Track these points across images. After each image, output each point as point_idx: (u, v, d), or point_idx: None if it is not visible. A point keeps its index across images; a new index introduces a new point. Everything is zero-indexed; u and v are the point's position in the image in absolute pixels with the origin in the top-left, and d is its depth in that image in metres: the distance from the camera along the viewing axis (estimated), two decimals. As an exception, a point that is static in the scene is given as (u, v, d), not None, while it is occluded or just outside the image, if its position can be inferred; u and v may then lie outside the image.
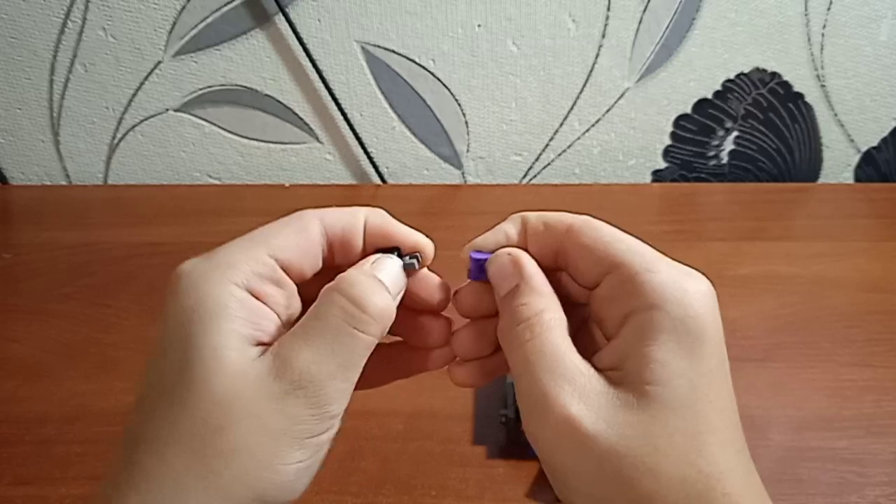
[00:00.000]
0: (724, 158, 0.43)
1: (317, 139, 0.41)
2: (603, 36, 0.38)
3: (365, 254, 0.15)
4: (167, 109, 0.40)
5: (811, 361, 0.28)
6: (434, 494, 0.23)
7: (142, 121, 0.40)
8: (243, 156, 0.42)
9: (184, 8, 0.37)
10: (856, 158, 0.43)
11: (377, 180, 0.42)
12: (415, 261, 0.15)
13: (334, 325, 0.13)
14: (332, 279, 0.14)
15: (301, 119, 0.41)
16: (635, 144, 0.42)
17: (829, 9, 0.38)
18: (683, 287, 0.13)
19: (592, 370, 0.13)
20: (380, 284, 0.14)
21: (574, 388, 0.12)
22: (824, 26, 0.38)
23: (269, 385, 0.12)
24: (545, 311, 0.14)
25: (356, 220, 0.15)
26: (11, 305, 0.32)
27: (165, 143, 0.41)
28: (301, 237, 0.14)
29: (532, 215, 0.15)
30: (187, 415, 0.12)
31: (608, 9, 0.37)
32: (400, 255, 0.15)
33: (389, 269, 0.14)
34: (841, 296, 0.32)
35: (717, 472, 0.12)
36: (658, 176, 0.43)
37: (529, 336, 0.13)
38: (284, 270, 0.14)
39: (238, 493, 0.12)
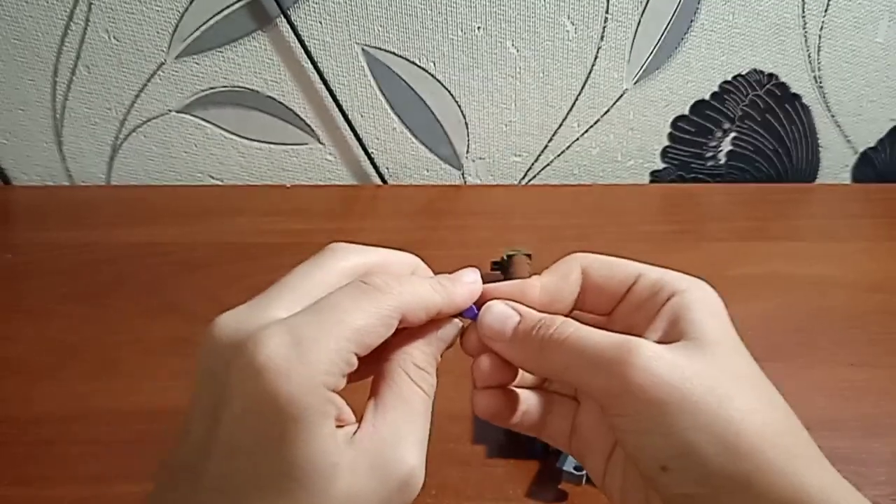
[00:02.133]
0: (722, 159, 0.43)
1: (318, 140, 0.42)
2: (601, 38, 0.38)
3: None
4: (169, 111, 0.40)
5: (811, 361, 0.28)
6: (434, 494, 0.23)
7: (144, 122, 0.41)
8: (245, 157, 0.42)
9: (186, 10, 0.37)
10: (853, 159, 0.43)
11: (378, 181, 0.43)
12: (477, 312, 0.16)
13: (419, 414, 0.14)
14: None
15: (302, 120, 0.41)
16: (634, 145, 0.42)
17: (826, 11, 0.38)
18: (692, 279, 0.16)
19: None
20: (433, 366, 0.15)
21: (640, 346, 0.14)
22: (821, 28, 0.39)
23: (380, 484, 0.13)
24: (565, 318, 0.15)
25: (430, 314, 0.15)
26: (12, 305, 0.32)
27: (168, 144, 0.41)
28: (383, 332, 0.14)
29: (549, 282, 0.16)
30: None
31: (607, 11, 0.38)
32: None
33: (450, 337, 0.15)
34: (841, 296, 0.32)
35: (783, 406, 0.14)
36: (656, 176, 0.44)
37: (572, 329, 0.15)
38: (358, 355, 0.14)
39: None
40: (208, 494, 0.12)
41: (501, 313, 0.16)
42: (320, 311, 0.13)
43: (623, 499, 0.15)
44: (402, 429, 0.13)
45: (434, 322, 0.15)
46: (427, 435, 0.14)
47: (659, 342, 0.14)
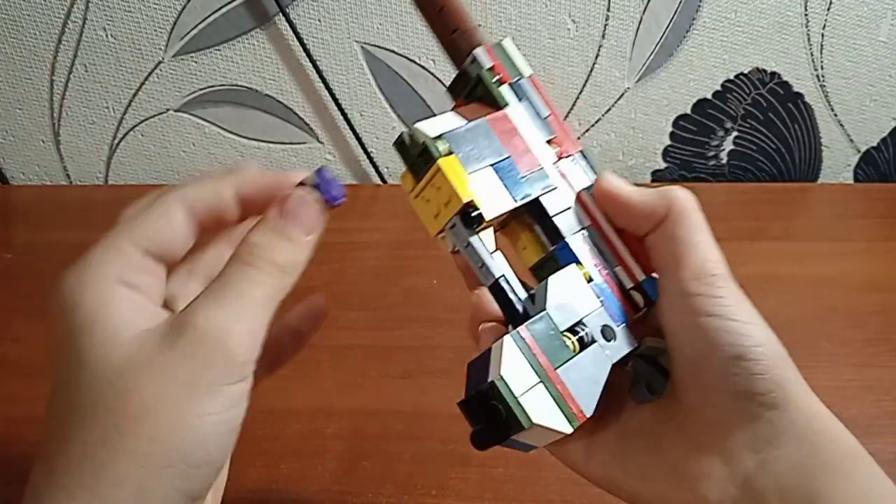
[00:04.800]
0: (724, 158, 0.43)
1: (317, 139, 0.41)
2: (603, 36, 0.38)
3: (244, 217, 0.15)
4: (168, 109, 0.40)
5: (811, 361, 0.28)
6: (434, 494, 0.23)
7: (142, 121, 0.40)
8: (244, 156, 0.42)
9: (184, 8, 0.37)
10: (855, 158, 0.43)
11: (377, 180, 0.42)
12: (341, 190, 0.15)
13: (233, 283, 0.13)
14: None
15: (301, 119, 0.41)
16: (635, 144, 0.42)
17: (828, 9, 0.38)
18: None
19: None
20: (282, 240, 0.14)
21: None
22: (824, 26, 0.38)
23: (170, 343, 0.12)
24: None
25: (221, 197, 0.14)
26: (12, 305, 0.32)
27: (166, 143, 0.41)
28: (162, 225, 0.14)
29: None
30: (88, 392, 0.12)
31: (608, 9, 0.37)
32: (319, 187, 0.14)
33: (302, 213, 0.14)
34: (841, 296, 0.32)
35: None
36: (658, 176, 0.43)
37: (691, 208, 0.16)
38: (153, 257, 0.14)
39: (158, 455, 0.12)
40: (47, 423, 0.13)
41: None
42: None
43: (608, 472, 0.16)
44: (207, 298, 0.13)
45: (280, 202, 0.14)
46: (252, 311, 0.13)
47: None
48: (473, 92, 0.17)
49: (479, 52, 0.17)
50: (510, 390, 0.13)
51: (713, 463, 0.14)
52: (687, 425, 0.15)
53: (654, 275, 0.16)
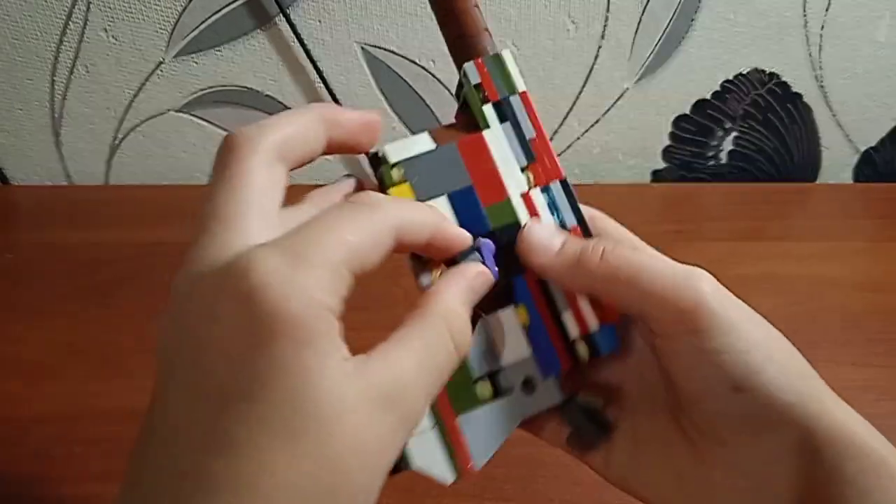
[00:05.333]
0: (723, 159, 0.43)
1: (317, 140, 0.42)
2: (602, 37, 0.38)
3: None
4: (168, 110, 0.40)
5: (811, 361, 0.28)
6: (434, 494, 0.23)
7: (143, 121, 0.40)
8: (244, 156, 0.42)
9: (185, 9, 0.37)
10: (854, 159, 0.43)
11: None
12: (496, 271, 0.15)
13: (439, 364, 0.12)
14: None
15: (301, 120, 0.41)
16: (635, 145, 0.42)
17: (827, 9, 0.38)
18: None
19: None
20: (465, 315, 0.13)
21: (703, 272, 0.15)
22: (823, 27, 0.38)
23: (385, 422, 0.11)
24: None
25: (424, 240, 0.14)
26: (12, 305, 0.32)
27: (167, 143, 0.41)
28: (376, 254, 0.12)
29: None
30: (315, 463, 0.10)
31: (607, 10, 0.37)
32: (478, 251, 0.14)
33: (479, 291, 0.14)
34: (841, 296, 0.32)
35: None
36: (657, 176, 0.43)
37: (631, 251, 0.15)
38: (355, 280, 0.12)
39: None
40: (191, 455, 0.10)
41: (547, 227, 0.15)
42: (310, 229, 0.12)
43: (630, 474, 0.15)
44: (415, 369, 0.12)
45: (458, 270, 0.14)
46: (434, 383, 0.12)
47: None
48: (466, 103, 0.17)
49: (468, 66, 0.16)
50: None
51: (726, 478, 0.14)
52: (698, 442, 0.15)
53: (612, 323, 0.15)
